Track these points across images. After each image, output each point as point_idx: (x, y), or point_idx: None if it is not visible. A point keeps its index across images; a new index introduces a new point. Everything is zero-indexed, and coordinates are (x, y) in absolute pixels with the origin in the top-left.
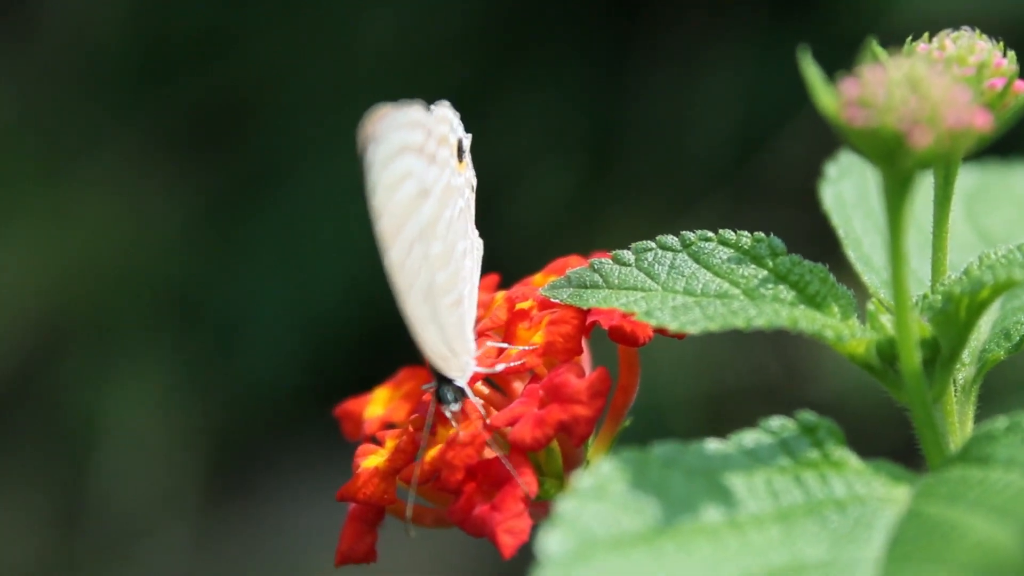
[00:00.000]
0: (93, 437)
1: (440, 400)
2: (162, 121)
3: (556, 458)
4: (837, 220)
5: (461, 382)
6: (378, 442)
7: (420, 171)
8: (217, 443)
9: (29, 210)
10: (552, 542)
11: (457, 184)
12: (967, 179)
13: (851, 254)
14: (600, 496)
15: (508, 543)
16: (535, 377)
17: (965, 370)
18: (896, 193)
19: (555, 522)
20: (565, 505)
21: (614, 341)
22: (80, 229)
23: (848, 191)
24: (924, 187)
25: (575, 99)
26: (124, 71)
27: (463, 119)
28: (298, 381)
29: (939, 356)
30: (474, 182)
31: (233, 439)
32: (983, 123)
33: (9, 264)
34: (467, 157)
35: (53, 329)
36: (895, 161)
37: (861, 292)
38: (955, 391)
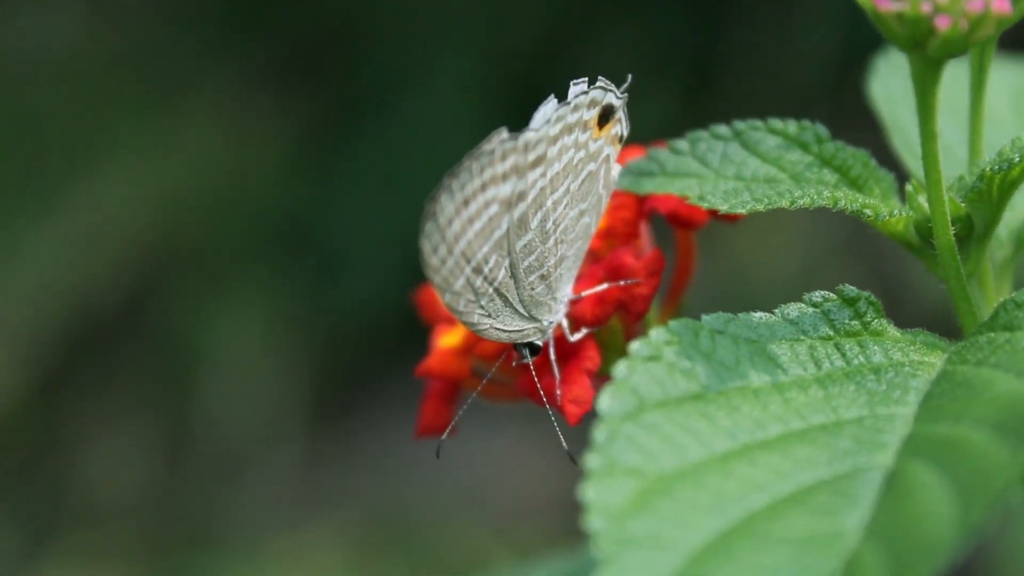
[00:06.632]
0: (200, 364)
1: (516, 350)
2: (262, 52)
3: (618, 335)
4: (884, 110)
5: (539, 340)
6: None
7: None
8: (321, 369)
9: (133, 143)
10: (606, 400)
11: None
12: (1015, 75)
13: (896, 141)
14: (652, 359)
15: (573, 412)
16: (596, 258)
17: (1003, 249)
18: (924, 75)
19: (611, 383)
20: (619, 368)
21: (672, 225)
22: (184, 160)
23: (896, 85)
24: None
25: (672, 26)
26: (223, 2)
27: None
28: (399, 307)
29: (973, 232)
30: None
31: (336, 365)
32: (1000, 8)
33: (115, 196)
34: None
35: (159, 259)
36: (922, 45)
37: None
38: (993, 269)
